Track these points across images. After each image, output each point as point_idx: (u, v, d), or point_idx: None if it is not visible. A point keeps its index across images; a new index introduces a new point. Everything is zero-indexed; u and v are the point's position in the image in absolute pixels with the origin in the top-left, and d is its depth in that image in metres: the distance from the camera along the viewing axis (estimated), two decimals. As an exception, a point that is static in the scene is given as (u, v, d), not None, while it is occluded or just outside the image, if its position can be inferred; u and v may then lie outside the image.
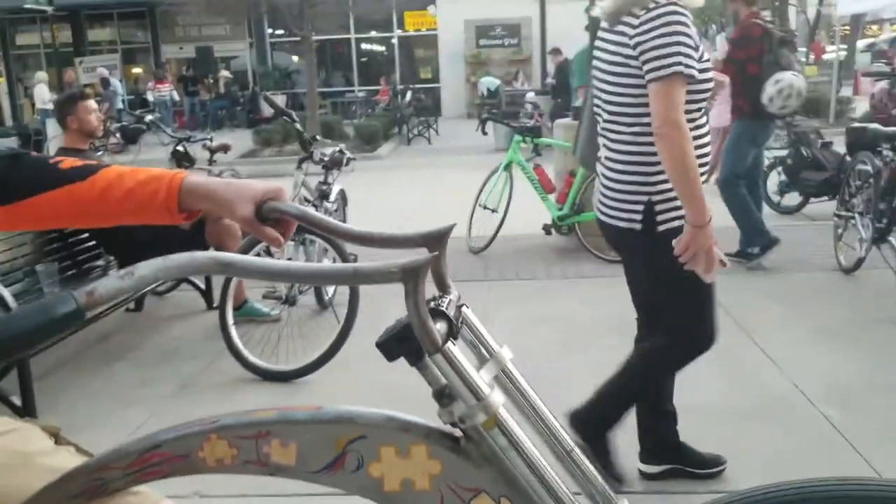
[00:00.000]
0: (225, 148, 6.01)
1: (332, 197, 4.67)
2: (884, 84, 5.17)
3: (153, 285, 4.66)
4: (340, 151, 4.48)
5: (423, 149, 15.41)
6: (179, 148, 5.64)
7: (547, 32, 16.22)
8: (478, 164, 10.24)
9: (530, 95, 14.82)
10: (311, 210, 1.21)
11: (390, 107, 17.85)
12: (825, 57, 22.63)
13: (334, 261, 4.17)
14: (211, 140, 5.93)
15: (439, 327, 0.92)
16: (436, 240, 1.07)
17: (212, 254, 0.91)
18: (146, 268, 0.88)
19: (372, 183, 11.07)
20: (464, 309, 1.08)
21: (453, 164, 12.75)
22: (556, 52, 13.66)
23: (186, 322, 4.82)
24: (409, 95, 17.89)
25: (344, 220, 5.32)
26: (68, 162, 1.21)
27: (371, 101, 20.61)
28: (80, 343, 4.38)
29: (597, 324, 4.41)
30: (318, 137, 4.43)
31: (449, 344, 0.90)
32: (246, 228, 1.18)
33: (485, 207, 6.23)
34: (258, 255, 3.91)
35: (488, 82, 19.46)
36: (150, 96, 17.45)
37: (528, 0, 20.22)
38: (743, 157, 5.29)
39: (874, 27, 38.16)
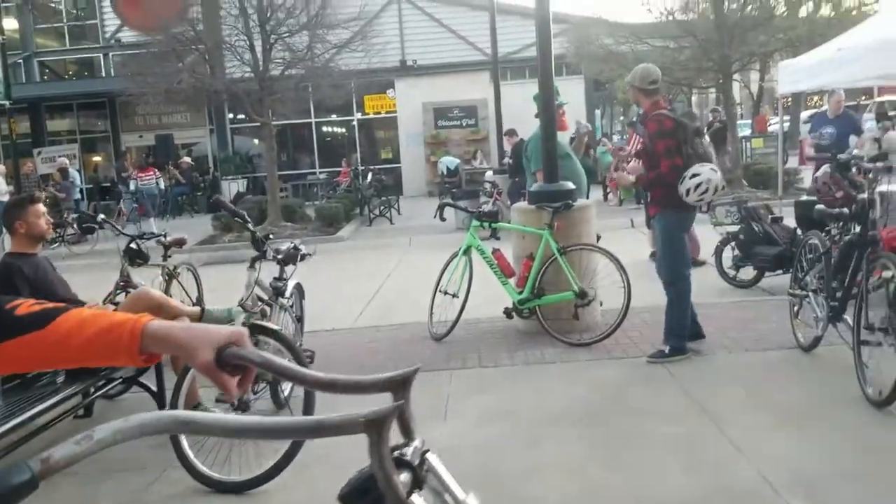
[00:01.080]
0: (180, 243, 5.95)
1: (288, 292, 4.61)
2: (826, 167, 5.30)
3: (102, 391, 4.52)
4: (295, 247, 4.44)
5: (385, 229, 15.47)
6: (133, 245, 5.55)
7: (502, 113, 16.57)
8: (440, 244, 10.31)
9: (489, 174, 15.03)
10: (273, 357, 1.18)
11: (351, 188, 17.95)
12: (770, 129, 23.42)
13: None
14: (165, 236, 5.86)
15: (403, 478, 0.88)
16: (400, 384, 1.04)
17: (172, 413, 0.88)
18: (105, 430, 0.85)
19: (333, 266, 11.03)
20: (428, 455, 1.05)
21: (415, 244, 12.80)
22: (511, 133, 13.93)
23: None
24: (369, 176, 18.05)
25: (301, 315, 5.25)
26: (25, 306, 1.17)
27: (332, 182, 20.74)
28: (21, 455, 4.18)
29: (561, 415, 4.35)
30: (270, 236, 4.39)
31: (414, 496, 0.86)
32: (204, 375, 1.15)
33: (445, 293, 6.21)
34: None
35: (448, 161, 19.75)
36: (132, 185, 17.21)
37: (484, 82, 20.79)
38: (681, 249, 5.26)
39: (816, 98, 39.85)
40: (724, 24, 15.44)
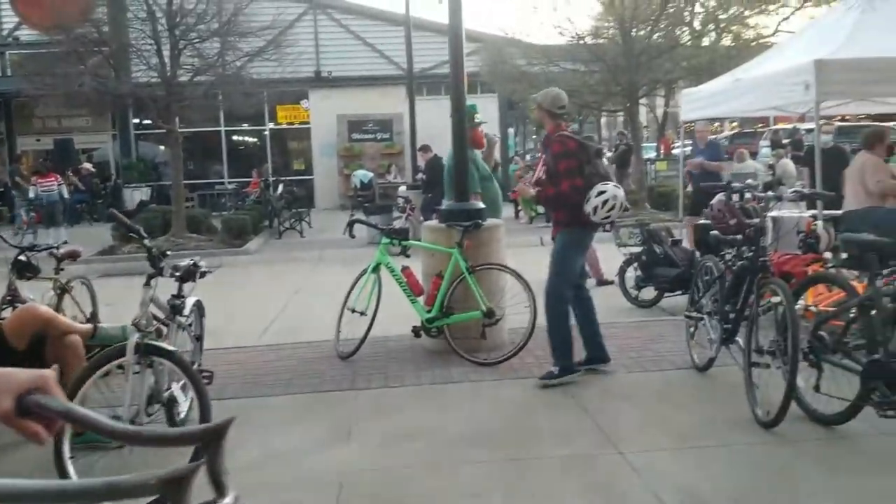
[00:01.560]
0: (73, 255, 5.67)
1: (187, 310, 4.45)
2: (721, 196, 5.53)
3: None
4: (195, 264, 4.30)
5: (295, 242, 15.23)
6: (22, 258, 5.26)
7: (417, 128, 16.64)
8: (351, 258, 10.20)
9: (402, 189, 15.03)
10: (77, 408, 1.09)
11: (261, 199, 17.60)
12: (675, 152, 24.28)
13: (184, 387, 3.94)
14: (58, 248, 5.58)
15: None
16: (213, 435, 0.96)
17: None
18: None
19: (239, 280, 10.77)
20: None
21: (326, 258, 12.64)
22: (425, 148, 14.00)
23: (15, 456, 4.28)
24: (280, 187, 17.75)
25: (201, 334, 5.08)
26: None
27: (241, 193, 20.28)
28: None
29: (465, 437, 4.34)
30: (168, 252, 4.23)
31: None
32: (4, 423, 1.07)
33: (353, 310, 6.13)
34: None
35: (361, 175, 19.63)
36: (31, 193, 16.15)
37: (400, 96, 20.81)
38: (574, 267, 5.36)
39: (716, 124, 41.73)
40: (631, 51, 15.98)
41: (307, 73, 21.71)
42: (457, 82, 6.36)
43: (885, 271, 6.09)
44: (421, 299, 6.07)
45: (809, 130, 19.92)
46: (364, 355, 6.01)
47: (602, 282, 8.94)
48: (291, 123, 23.78)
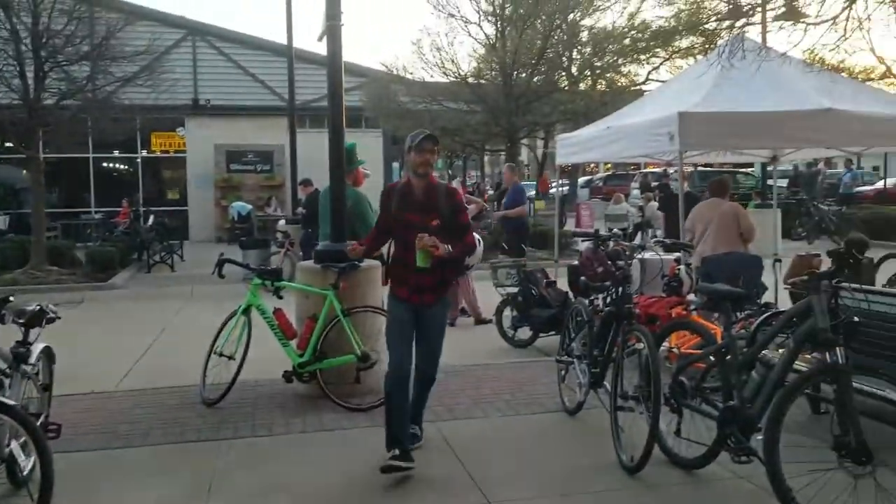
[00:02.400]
0: None
1: (33, 358, 4.11)
2: (589, 243, 5.69)
3: None
4: (41, 309, 3.98)
5: (165, 277, 14.58)
6: None
7: (298, 161, 16.36)
8: (224, 295, 9.78)
9: (281, 223, 14.70)
10: None
11: (130, 230, 16.77)
12: (552, 191, 25.03)
13: (25, 444, 3.62)
14: None
15: None
16: None
17: None
18: None
19: (102, 317, 10.18)
20: None
21: (198, 294, 12.15)
22: (306, 182, 13.76)
23: None
24: (151, 218, 17.00)
25: (50, 383, 4.70)
26: None
27: (109, 223, 19.26)
28: None
29: (333, 490, 4.20)
30: (11, 298, 3.90)
31: None
32: None
33: (220, 354, 5.87)
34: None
35: (239, 207, 19.13)
36: None
37: (282, 128, 20.48)
38: None
39: (592, 165, 43.46)
40: (511, 94, 16.44)
41: (184, 101, 21.05)
42: (335, 117, 6.29)
43: (741, 314, 6.48)
44: (293, 342, 5.89)
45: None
46: (231, 402, 5.75)
47: (480, 321, 9.04)
48: (166, 151, 22.96)
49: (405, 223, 4.48)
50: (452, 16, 17.25)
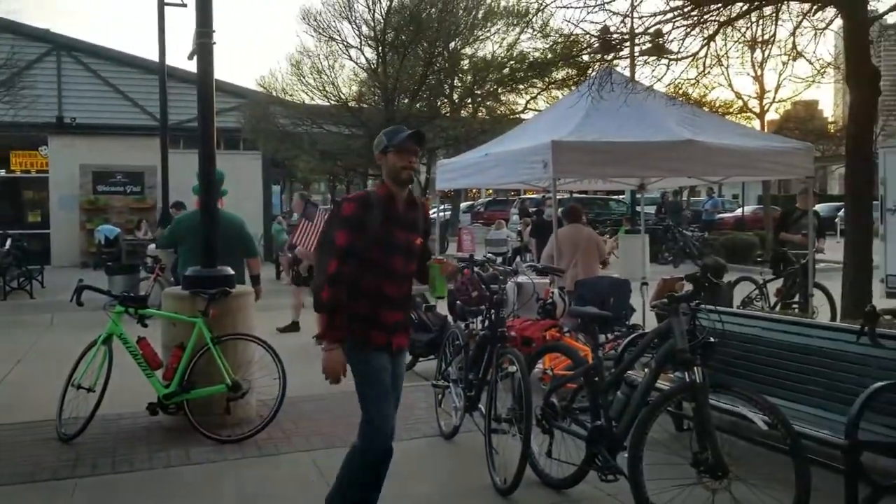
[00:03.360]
0: None
1: None
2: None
3: None
4: None
5: (23, 304, 13.65)
6: None
7: (170, 183, 15.76)
8: (88, 323, 9.11)
9: (151, 248, 14.08)
10: None
11: (-16, 255, 15.61)
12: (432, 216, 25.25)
13: None
14: None
15: None
16: None
17: None
18: None
19: (-53, 351, 9.35)
20: None
21: (59, 322, 11.41)
22: (178, 205, 13.26)
23: None
24: (8, 242, 15.88)
25: None
26: None
27: (-42, 248, 17.86)
28: None
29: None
30: None
31: None
32: None
33: (79, 387, 5.51)
34: None
35: (106, 230, 18.20)
36: None
37: (153, 148, 19.72)
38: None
39: (474, 191, 44.26)
40: (393, 119, 16.51)
41: (47, 118, 19.93)
42: (206, 137, 6.10)
43: (611, 336, 6.71)
44: (158, 373, 5.61)
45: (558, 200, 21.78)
46: (90, 437, 5.40)
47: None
48: (27, 171, 21.61)
49: (389, 243, 3.55)
50: (333, 39, 17.21)
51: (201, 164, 6.10)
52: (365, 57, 17.45)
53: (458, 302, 5.41)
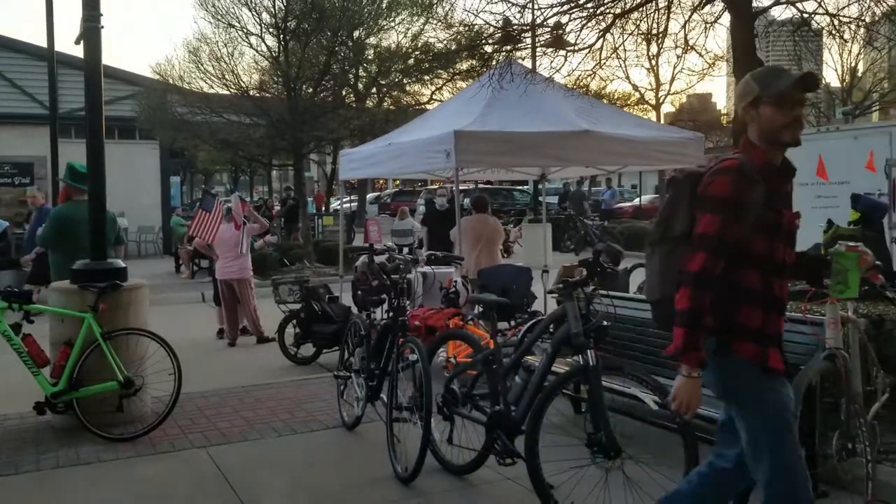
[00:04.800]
0: None
1: None
2: (365, 257, 5.72)
3: None
4: None
5: None
6: None
7: (61, 173, 15.02)
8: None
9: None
10: None
11: None
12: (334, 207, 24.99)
13: None
14: None
15: None
16: None
17: None
18: None
19: None
20: None
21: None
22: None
23: None
24: None
25: None
26: None
27: None
28: None
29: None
30: None
31: None
32: None
33: (-44, 389, 5.20)
34: None
35: (-7, 224, 17.15)
36: None
37: (42, 138, 18.72)
38: None
39: (381, 181, 44.04)
40: (296, 108, 16.20)
41: (-77, 106, 18.64)
42: (94, 126, 5.85)
43: (512, 322, 6.82)
44: (46, 371, 5.35)
45: (463, 191, 21.98)
46: (-30, 441, 5.11)
47: (262, 340, 8.78)
48: None
49: (773, 227, 2.73)
50: (232, 26, 16.71)
51: (89, 154, 5.86)
52: (266, 45, 17.02)
53: (358, 292, 5.37)
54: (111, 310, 5.46)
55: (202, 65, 17.20)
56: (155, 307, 6.12)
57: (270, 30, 16.72)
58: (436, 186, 24.60)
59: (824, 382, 3.66)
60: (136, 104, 19.16)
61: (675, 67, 24.71)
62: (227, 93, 17.16)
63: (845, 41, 8.94)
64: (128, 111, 19.49)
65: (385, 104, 21.11)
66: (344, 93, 20.21)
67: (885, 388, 4.17)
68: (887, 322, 4.92)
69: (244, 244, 8.66)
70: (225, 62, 16.87)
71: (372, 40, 20.26)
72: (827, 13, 7.59)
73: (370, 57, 20.39)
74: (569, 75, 10.88)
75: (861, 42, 13.39)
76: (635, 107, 24.04)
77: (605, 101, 20.24)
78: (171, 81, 17.95)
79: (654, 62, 21.96)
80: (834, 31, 7.94)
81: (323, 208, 24.93)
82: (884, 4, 7.96)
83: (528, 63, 12.55)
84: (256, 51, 17.40)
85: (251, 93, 17.23)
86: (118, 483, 4.49)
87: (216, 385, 6.64)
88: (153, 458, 4.89)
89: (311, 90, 17.37)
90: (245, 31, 16.80)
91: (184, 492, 4.35)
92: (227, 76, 16.87)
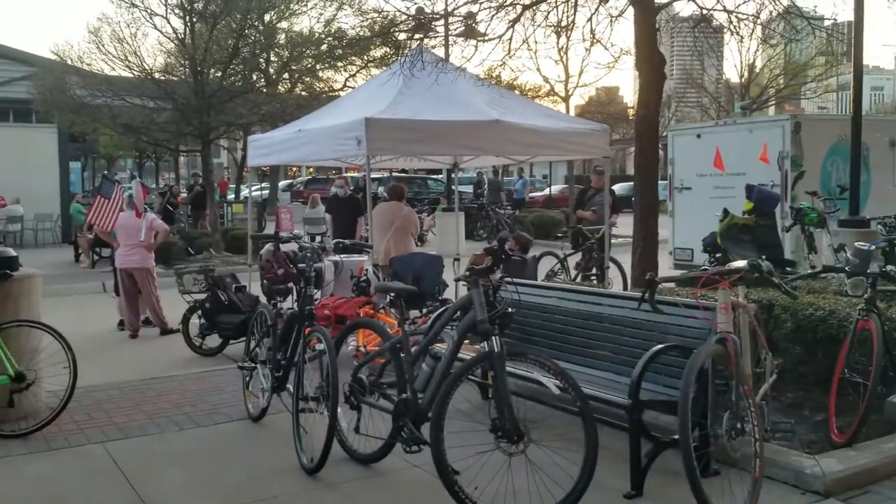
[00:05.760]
0: None
1: None
2: (270, 245, 5.62)
3: None
4: None
5: None
6: None
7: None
8: None
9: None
10: None
11: None
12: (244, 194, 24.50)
13: None
14: None
15: None
16: None
17: None
18: None
19: None
20: None
21: None
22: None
23: None
24: None
25: None
26: None
27: None
28: None
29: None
30: None
31: None
32: None
33: None
34: None
35: None
36: None
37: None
38: None
39: (294, 169, 43.29)
40: (203, 92, 15.73)
41: None
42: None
43: (423, 310, 6.83)
44: (-73, 366, 5.04)
45: (375, 179, 21.88)
46: None
47: (166, 331, 8.50)
48: None
49: None
50: (135, 6, 16.04)
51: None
52: (171, 26, 16.44)
53: (264, 281, 5.27)
54: (1, 300, 5.19)
55: (103, 46, 16.48)
56: (53, 298, 5.85)
57: (176, 10, 16.14)
58: (353, 174, 24.42)
59: (716, 365, 3.82)
60: (33, 85, 18.20)
61: (583, 60, 25.23)
62: (130, 75, 16.50)
63: (741, 38, 9.28)
64: (23, 93, 18.50)
65: (297, 90, 20.73)
66: (254, 77, 19.74)
67: (772, 371, 4.39)
68: (776, 307, 5.19)
69: (144, 232, 8.35)
70: (128, 43, 16.21)
71: (283, 24, 19.87)
72: (725, 10, 7.89)
73: (282, 42, 19.97)
74: (480, 65, 10.97)
75: (758, 39, 13.95)
76: (546, 98, 24.40)
77: (516, 91, 20.49)
78: (69, 62, 17.13)
79: (563, 55, 22.32)
80: (732, 28, 8.25)
81: (227, 195, 24.34)
82: (779, 4, 8.34)
83: (441, 52, 12.60)
84: (161, 32, 16.79)
85: (155, 75, 16.61)
86: (9, 482, 4.28)
87: (116, 378, 6.41)
88: (47, 454, 4.68)
89: (219, 74, 16.89)
90: (149, 11, 16.17)
91: (79, 488, 4.19)
92: (129, 58, 16.23)
